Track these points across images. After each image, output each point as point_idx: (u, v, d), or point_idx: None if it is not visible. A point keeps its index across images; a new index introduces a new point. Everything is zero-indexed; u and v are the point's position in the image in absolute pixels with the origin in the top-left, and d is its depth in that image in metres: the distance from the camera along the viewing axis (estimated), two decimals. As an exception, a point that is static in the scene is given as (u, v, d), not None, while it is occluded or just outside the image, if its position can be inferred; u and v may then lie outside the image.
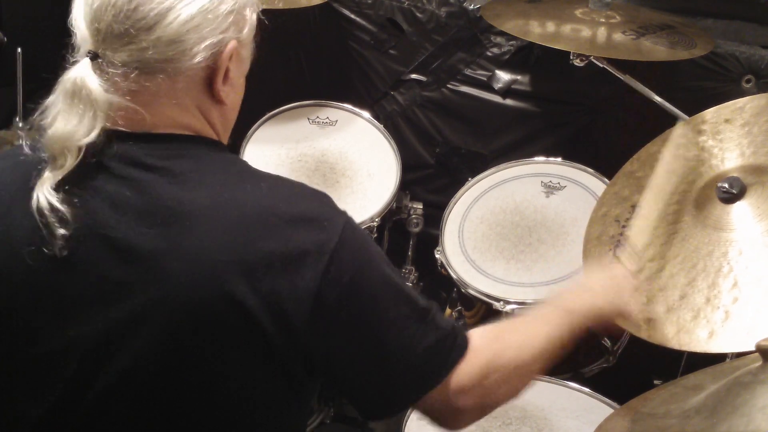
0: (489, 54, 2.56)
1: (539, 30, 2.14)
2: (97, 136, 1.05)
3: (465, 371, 1.13)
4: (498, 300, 1.94)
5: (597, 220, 1.68)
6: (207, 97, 1.13)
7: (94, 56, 1.06)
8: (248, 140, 2.33)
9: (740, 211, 1.43)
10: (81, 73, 1.05)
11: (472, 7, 2.52)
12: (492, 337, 1.19)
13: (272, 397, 1.12)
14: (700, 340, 1.34)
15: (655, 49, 2.03)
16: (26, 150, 1.10)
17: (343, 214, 1.12)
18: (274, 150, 2.33)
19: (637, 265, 1.45)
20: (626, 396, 1.31)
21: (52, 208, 1.04)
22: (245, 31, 1.15)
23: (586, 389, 1.83)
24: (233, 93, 1.17)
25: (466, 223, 2.14)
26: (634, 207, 1.60)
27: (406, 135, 2.71)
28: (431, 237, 2.26)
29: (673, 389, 1.19)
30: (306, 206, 1.10)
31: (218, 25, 1.09)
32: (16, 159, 1.12)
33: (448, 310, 2.12)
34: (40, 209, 1.04)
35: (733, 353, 1.38)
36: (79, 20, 1.09)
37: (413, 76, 2.68)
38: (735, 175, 1.47)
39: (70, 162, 1.05)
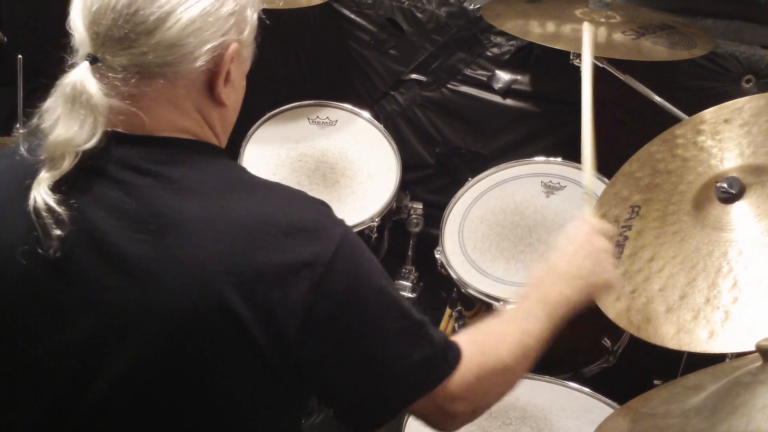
0: (489, 54, 2.56)
1: (539, 30, 2.14)
2: (99, 141, 1.04)
3: (456, 382, 1.13)
4: (498, 300, 1.94)
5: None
6: (207, 99, 1.12)
7: (93, 60, 1.05)
8: (248, 140, 2.32)
9: (740, 211, 1.43)
10: (80, 77, 1.04)
11: (472, 7, 2.52)
12: (479, 342, 1.18)
13: (265, 402, 1.11)
14: (700, 340, 1.34)
15: (655, 49, 2.03)
16: (22, 151, 1.09)
17: (341, 224, 1.11)
18: (274, 150, 2.32)
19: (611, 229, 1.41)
20: (626, 396, 1.31)
21: (49, 208, 1.03)
22: (246, 32, 1.13)
23: (586, 389, 1.82)
24: (234, 94, 1.16)
25: (466, 223, 2.13)
26: (633, 207, 1.60)
27: (406, 135, 2.71)
28: (431, 237, 2.26)
29: (673, 389, 1.19)
30: (302, 216, 1.08)
31: (219, 27, 1.08)
32: (12, 160, 1.11)
33: (448, 310, 2.13)
34: (36, 209, 1.03)
35: (733, 353, 1.38)
36: (78, 23, 1.07)
37: (413, 76, 2.68)
38: (734, 175, 1.47)
39: (67, 164, 1.04)
